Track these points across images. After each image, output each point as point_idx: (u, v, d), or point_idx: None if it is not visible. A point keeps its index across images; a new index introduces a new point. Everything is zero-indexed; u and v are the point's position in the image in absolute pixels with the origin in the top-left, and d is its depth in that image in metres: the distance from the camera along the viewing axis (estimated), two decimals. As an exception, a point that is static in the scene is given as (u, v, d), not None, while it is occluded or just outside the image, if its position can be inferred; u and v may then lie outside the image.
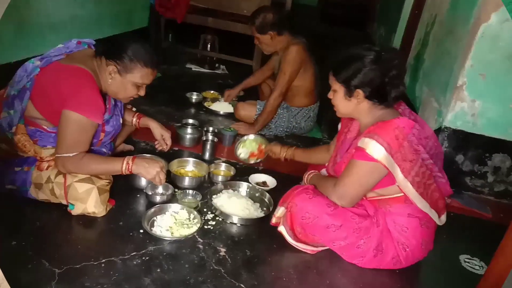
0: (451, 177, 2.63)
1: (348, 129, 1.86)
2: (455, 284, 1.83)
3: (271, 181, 2.26)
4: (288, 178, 2.26)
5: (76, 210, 1.74)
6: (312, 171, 1.99)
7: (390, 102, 1.68)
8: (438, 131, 2.64)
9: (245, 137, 2.43)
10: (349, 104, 1.71)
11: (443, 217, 1.76)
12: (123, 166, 1.78)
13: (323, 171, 1.99)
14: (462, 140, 2.59)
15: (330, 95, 1.78)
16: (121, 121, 1.95)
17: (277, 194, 2.04)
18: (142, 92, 1.83)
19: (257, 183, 2.23)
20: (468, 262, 1.98)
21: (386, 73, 1.61)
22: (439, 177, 1.70)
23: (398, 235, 1.69)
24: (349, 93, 1.68)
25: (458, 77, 2.50)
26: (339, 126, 1.97)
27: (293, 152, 2.24)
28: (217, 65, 4.51)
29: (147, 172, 1.80)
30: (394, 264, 1.73)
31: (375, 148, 1.56)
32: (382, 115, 1.67)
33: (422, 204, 1.65)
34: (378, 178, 1.64)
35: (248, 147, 2.39)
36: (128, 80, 1.74)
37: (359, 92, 1.65)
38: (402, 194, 1.66)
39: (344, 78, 1.67)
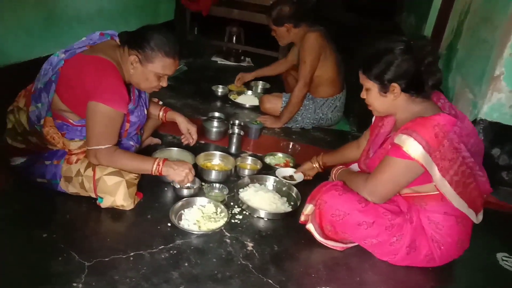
0: (487, 172, 2.55)
1: (382, 123, 1.78)
2: (492, 283, 1.76)
3: (298, 175, 2.22)
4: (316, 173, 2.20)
5: (105, 203, 1.75)
6: (340, 166, 1.92)
7: (428, 92, 1.59)
8: (473, 123, 2.53)
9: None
10: (386, 101, 1.62)
11: (480, 216, 1.67)
12: (153, 167, 1.78)
13: (353, 166, 1.93)
14: (499, 133, 2.47)
15: (363, 94, 1.69)
16: (146, 112, 1.95)
17: (304, 188, 2.01)
18: (164, 83, 1.81)
19: (284, 177, 2.19)
20: (506, 261, 1.89)
21: (420, 61, 1.53)
22: (479, 176, 1.60)
23: (432, 232, 1.63)
24: (384, 88, 1.59)
25: (495, 67, 2.39)
26: (373, 119, 1.89)
27: (322, 158, 2.14)
28: (242, 57, 4.48)
29: (177, 174, 1.80)
30: (427, 262, 1.67)
31: (412, 146, 1.48)
32: (422, 110, 1.58)
33: (459, 203, 1.57)
34: (414, 177, 1.56)
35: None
36: (150, 70, 1.74)
37: (395, 86, 1.56)
38: (439, 192, 1.58)
39: (376, 74, 1.58)
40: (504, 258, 1.90)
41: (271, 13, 2.77)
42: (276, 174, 2.20)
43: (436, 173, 1.50)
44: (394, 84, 1.56)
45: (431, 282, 1.68)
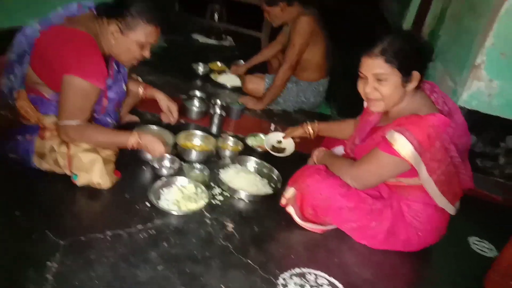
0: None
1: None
2: (464, 266, 1.81)
3: (289, 145, 2.21)
4: (300, 155, 2.17)
5: (81, 181, 1.69)
6: (322, 148, 1.91)
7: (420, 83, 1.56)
8: (452, 110, 2.57)
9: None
10: (402, 92, 1.52)
11: (457, 204, 1.70)
12: (129, 140, 1.74)
13: (337, 149, 1.93)
14: (477, 121, 2.52)
15: (370, 87, 1.54)
16: (125, 88, 1.88)
17: (285, 170, 2.00)
18: (146, 53, 1.75)
19: (273, 145, 2.20)
20: (477, 245, 1.95)
21: (430, 50, 1.53)
22: (462, 173, 1.61)
23: (411, 219, 1.65)
24: (406, 77, 1.50)
25: (477, 56, 2.42)
26: (365, 104, 1.80)
27: (318, 125, 2.09)
28: (224, 36, 4.39)
29: (152, 149, 1.80)
30: (405, 247, 1.70)
31: (403, 145, 1.45)
32: (417, 106, 1.54)
33: (440, 200, 1.59)
34: (399, 173, 1.57)
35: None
36: (132, 39, 1.67)
37: (416, 75, 1.50)
38: (420, 183, 1.59)
39: (401, 62, 1.47)
40: (475, 242, 1.96)
41: None
42: (265, 143, 2.19)
43: (423, 172, 1.50)
44: (415, 72, 1.50)
45: (407, 265, 1.71)
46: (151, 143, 1.79)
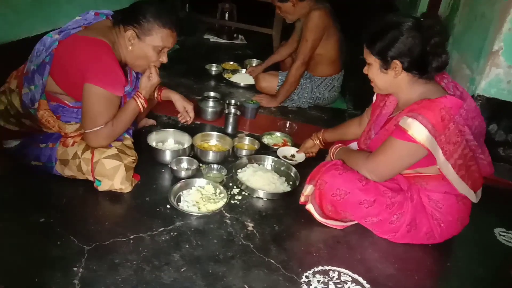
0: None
1: (384, 103, 1.75)
2: (490, 258, 1.78)
3: (299, 155, 2.20)
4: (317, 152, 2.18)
5: (103, 186, 1.72)
6: (339, 144, 1.89)
7: (431, 73, 1.55)
8: (471, 99, 2.52)
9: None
10: (387, 78, 1.58)
11: (479, 192, 1.67)
12: (136, 101, 1.77)
13: (352, 144, 1.91)
14: (496, 109, 2.47)
15: (366, 69, 1.65)
16: None
17: (303, 168, 2.00)
18: (164, 59, 1.77)
19: (285, 156, 2.17)
20: (504, 236, 1.91)
21: (427, 41, 1.48)
22: (481, 159, 1.59)
23: (433, 210, 1.63)
24: (385, 65, 1.55)
25: (494, 42, 2.36)
26: (374, 97, 1.85)
27: (323, 134, 2.11)
28: (235, 35, 4.40)
29: (149, 80, 1.79)
30: (427, 239, 1.68)
31: (418, 130, 1.45)
32: (426, 92, 1.54)
33: (461, 186, 1.56)
34: (416, 160, 1.55)
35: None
36: (148, 44, 1.69)
37: (397, 63, 1.52)
38: (440, 172, 1.57)
39: (379, 49, 1.53)
40: (501, 233, 1.92)
41: None
42: (278, 154, 2.18)
43: (440, 156, 1.48)
44: (396, 61, 1.52)
45: (431, 258, 1.69)
46: (145, 81, 1.79)
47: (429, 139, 1.45)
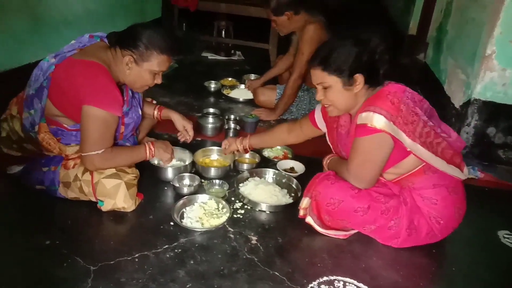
0: (483, 151, 2.57)
1: (336, 123, 1.78)
2: (495, 261, 1.77)
3: (299, 167, 2.22)
4: (316, 162, 2.14)
5: (106, 206, 1.74)
6: (331, 155, 1.91)
7: (381, 81, 1.61)
8: (467, 104, 2.55)
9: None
10: (348, 95, 1.60)
11: (465, 170, 1.66)
12: (146, 152, 1.86)
13: None
14: (494, 112, 2.49)
15: (320, 95, 1.64)
16: (140, 113, 1.93)
17: (304, 179, 2.01)
18: (158, 80, 1.80)
19: (285, 170, 2.19)
20: (508, 238, 1.91)
21: (374, 51, 1.55)
22: (445, 137, 1.60)
23: (428, 209, 1.64)
24: (348, 81, 1.57)
25: (486, 46, 2.40)
26: (317, 110, 1.91)
27: (249, 140, 2.12)
28: (232, 51, 4.46)
29: (164, 154, 1.94)
30: (430, 239, 1.69)
31: (375, 119, 1.51)
32: (370, 93, 1.62)
33: (438, 163, 1.57)
34: (387, 150, 1.57)
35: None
36: (145, 69, 1.72)
37: (358, 77, 1.56)
38: (420, 166, 1.60)
39: (338, 68, 1.55)
40: (505, 236, 1.92)
41: (270, 3, 2.71)
42: (277, 167, 2.20)
43: (405, 139, 1.52)
44: (357, 75, 1.56)
45: (435, 263, 1.69)
46: (160, 149, 1.93)
47: (388, 124, 1.50)
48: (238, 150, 2.16)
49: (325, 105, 1.67)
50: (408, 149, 1.54)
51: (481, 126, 2.55)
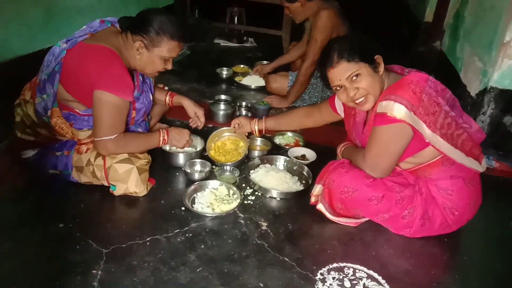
0: (498, 140, 2.52)
1: (354, 111, 1.75)
2: (508, 251, 1.75)
3: (310, 155, 2.21)
4: (328, 150, 2.16)
5: (118, 191, 1.76)
6: (346, 143, 1.89)
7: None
8: (484, 92, 2.50)
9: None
10: (379, 78, 1.59)
11: (484, 163, 1.64)
12: (160, 139, 1.87)
13: None
14: (510, 101, 2.43)
15: (351, 90, 1.56)
16: (151, 98, 1.94)
17: (316, 167, 2.00)
18: (169, 66, 1.80)
19: (296, 157, 2.19)
20: (522, 228, 1.88)
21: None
22: (467, 128, 1.58)
23: (443, 200, 1.62)
24: (373, 63, 1.57)
25: (504, 33, 2.33)
26: (337, 100, 1.88)
27: (265, 122, 2.10)
28: (245, 38, 4.43)
29: (179, 142, 1.95)
30: (443, 229, 1.67)
31: (395, 108, 1.48)
32: (391, 80, 1.60)
33: (457, 155, 1.54)
34: (406, 141, 1.54)
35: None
36: (156, 55, 1.72)
37: (379, 58, 1.57)
38: (438, 157, 1.57)
39: (361, 54, 1.55)
40: (520, 226, 1.89)
41: None
42: (289, 154, 2.20)
43: (425, 130, 1.49)
44: (377, 56, 1.57)
45: (447, 253, 1.67)
46: (175, 137, 1.94)
47: (408, 114, 1.47)
48: (251, 133, 2.14)
49: (359, 101, 1.59)
50: (427, 140, 1.51)
51: (497, 115, 2.49)
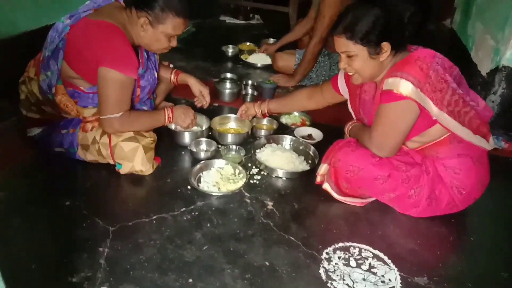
0: (509, 121, 2.48)
1: (360, 89, 1.71)
2: (515, 232, 1.74)
3: (317, 134, 2.19)
4: (334, 130, 2.14)
5: (124, 169, 1.76)
6: (353, 121, 1.86)
7: (406, 43, 1.54)
8: (495, 71, 2.44)
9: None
10: (375, 64, 1.53)
11: (491, 141, 1.62)
12: (165, 117, 1.86)
13: None
14: (523, 80, 2.38)
15: (344, 63, 1.56)
16: (156, 75, 1.91)
17: (322, 147, 1.98)
18: (174, 43, 1.77)
19: (303, 137, 2.17)
20: (530, 210, 1.86)
21: (403, 14, 1.44)
22: (474, 106, 1.54)
23: (451, 179, 1.60)
24: (375, 50, 1.49)
25: (520, 10, 2.26)
26: (340, 76, 1.83)
27: (268, 105, 2.10)
28: (251, 15, 4.36)
29: (183, 121, 1.93)
30: (450, 209, 1.66)
31: (401, 85, 1.44)
32: (398, 57, 1.54)
33: (464, 132, 1.52)
34: (412, 119, 1.51)
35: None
36: (160, 31, 1.69)
37: (386, 45, 1.48)
38: (446, 135, 1.55)
39: (364, 36, 1.46)
40: (528, 207, 1.87)
41: None
42: (295, 134, 2.18)
43: (432, 107, 1.46)
44: (384, 43, 1.48)
45: (454, 233, 1.67)
46: (180, 116, 1.92)
47: (415, 91, 1.44)
48: (255, 116, 2.13)
49: (349, 73, 1.61)
50: (434, 118, 1.49)
51: (508, 94, 2.45)
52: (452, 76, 1.51)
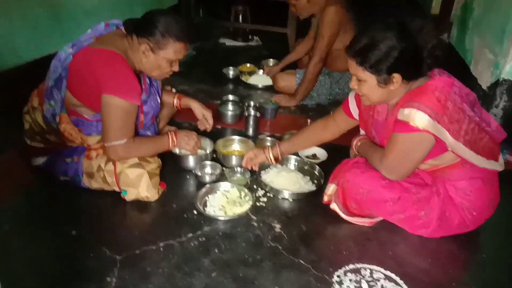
0: (510, 134, 2.47)
1: (373, 111, 1.68)
2: (527, 247, 1.72)
3: (321, 154, 2.18)
4: (339, 148, 2.13)
5: (130, 196, 1.75)
6: (360, 136, 1.83)
7: (424, 74, 1.49)
8: (496, 84, 2.45)
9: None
10: (384, 91, 1.50)
11: (501, 160, 1.60)
12: (170, 142, 1.88)
13: None
14: (525, 93, 2.39)
15: (354, 84, 1.55)
16: (159, 101, 1.92)
17: (327, 166, 1.98)
18: (176, 68, 1.79)
19: (307, 156, 2.16)
20: (540, 223, 1.84)
21: (423, 47, 1.41)
22: (489, 130, 1.52)
23: (461, 200, 1.58)
24: (384, 80, 1.46)
25: (517, 23, 2.28)
26: (350, 98, 1.80)
27: (279, 148, 1.95)
28: (250, 36, 4.40)
29: (187, 144, 1.94)
30: (461, 230, 1.64)
31: (418, 117, 1.40)
32: (414, 83, 1.50)
33: (479, 160, 1.50)
34: (427, 149, 1.48)
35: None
36: (162, 57, 1.70)
37: (396, 77, 1.45)
38: (458, 160, 1.53)
39: (375, 65, 1.43)
40: (537, 221, 1.85)
41: None
42: (299, 154, 2.17)
43: (448, 138, 1.43)
44: (395, 75, 1.45)
45: (465, 251, 1.64)
46: (183, 139, 1.93)
47: (432, 123, 1.41)
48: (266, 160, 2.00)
49: (359, 94, 1.59)
50: (449, 149, 1.47)
51: (510, 107, 2.45)
52: (468, 102, 1.48)
